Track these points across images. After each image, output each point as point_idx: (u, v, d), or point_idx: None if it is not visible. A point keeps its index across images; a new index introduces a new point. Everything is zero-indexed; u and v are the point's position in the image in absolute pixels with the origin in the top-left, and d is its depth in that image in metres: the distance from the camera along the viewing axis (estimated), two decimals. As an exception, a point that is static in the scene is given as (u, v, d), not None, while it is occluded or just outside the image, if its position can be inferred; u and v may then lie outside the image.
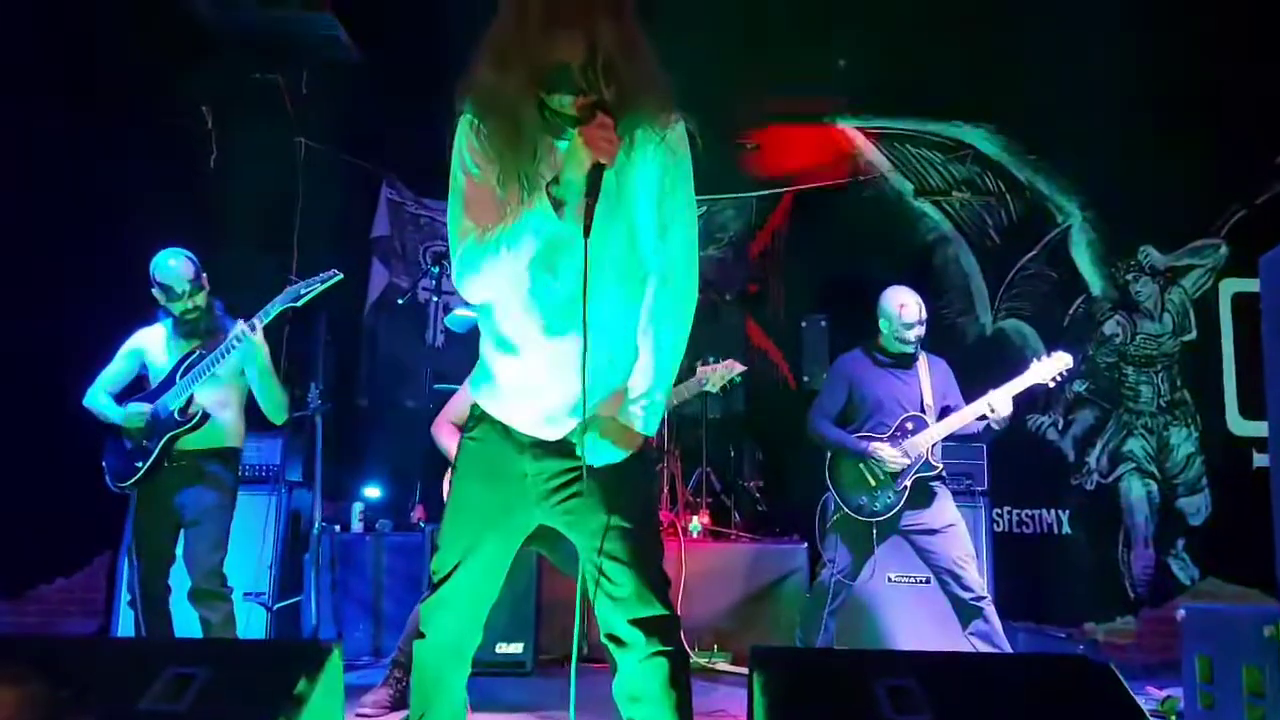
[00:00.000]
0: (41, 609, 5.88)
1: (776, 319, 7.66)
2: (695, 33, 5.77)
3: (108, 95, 5.72)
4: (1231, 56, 5.65)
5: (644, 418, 2.20)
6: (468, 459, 2.35)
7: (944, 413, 4.50)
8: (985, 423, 4.40)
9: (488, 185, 2.15)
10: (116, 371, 4.32)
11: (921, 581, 5.01)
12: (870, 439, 4.47)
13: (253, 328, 4.04)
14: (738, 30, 6.10)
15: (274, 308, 4.03)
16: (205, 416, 4.14)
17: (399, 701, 4.19)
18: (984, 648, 4.22)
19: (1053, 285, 6.54)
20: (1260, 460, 5.81)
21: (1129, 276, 6.27)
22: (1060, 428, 6.35)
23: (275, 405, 4.30)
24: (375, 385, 7.33)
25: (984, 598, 4.29)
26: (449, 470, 4.35)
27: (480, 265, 2.11)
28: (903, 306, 4.49)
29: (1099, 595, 6.04)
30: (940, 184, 7.05)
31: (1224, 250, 6.05)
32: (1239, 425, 5.93)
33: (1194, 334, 6.11)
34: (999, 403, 4.32)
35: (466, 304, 2.27)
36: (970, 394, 4.49)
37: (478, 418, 2.35)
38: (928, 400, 4.51)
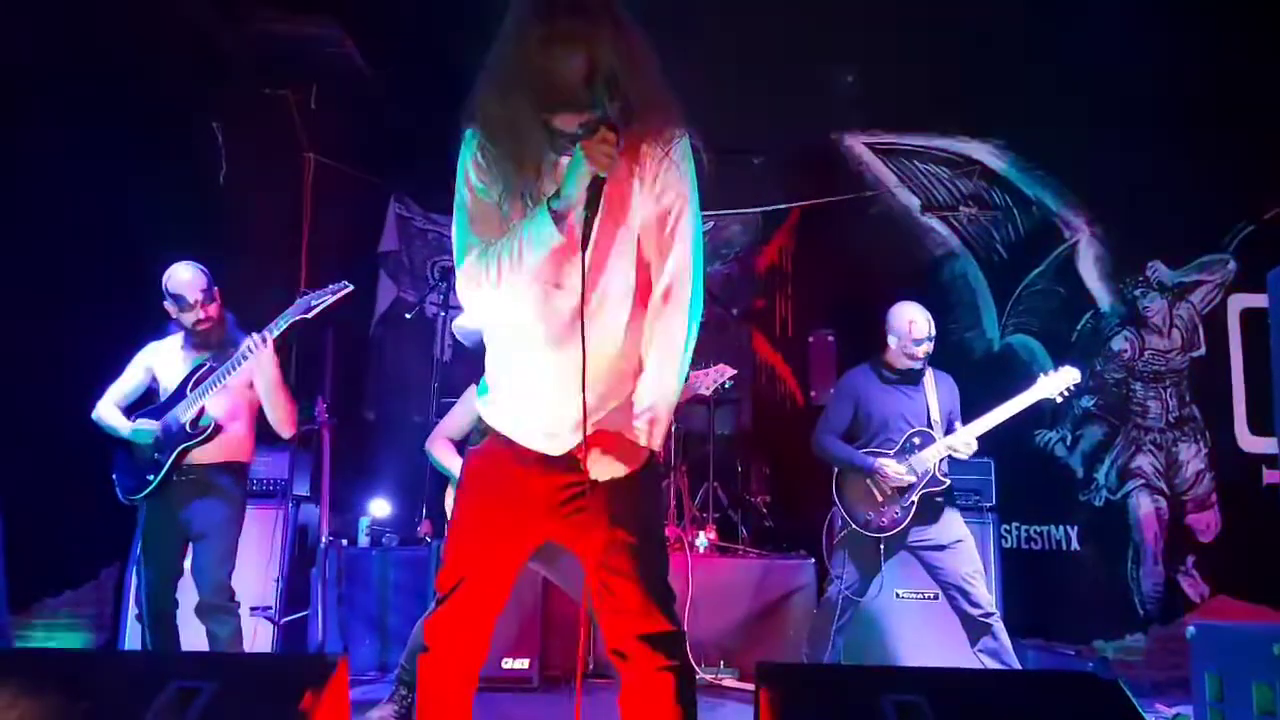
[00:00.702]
0: (49, 622, 5.88)
1: (784, 334, 7.66)
2: (703, 47, 5.80)
3: (120, 110, 5.75)
4: (1240, 72, 5.64)
5: (649, 431, 2.20)
6: (473, 473, 2.34)
7: (950, 428, 4.49)
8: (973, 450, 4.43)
9: (491, 202, 2.17)
10: (126, 384, 4.33)
11: (929, 598, 4.99)
12: (877, 455, 4.46)
13: (263, 340, 4.05)
14: (745, 44, 6.11)
15: (285, 320, 4.05)
16: (216, 429, 4.14)
17: (405, 718, 4.18)
18: (992, 665, 4.20)
19: (1060, 301, 6.53)
20: (1270, 476, 5.79)
21: (1137, 292, 6.26)
22: (1069, 443, 6.32)
23: (284, 419, 4.31)
24: (382, 399, 7.34)
25: (992, 614, 4.28)
26: (449, 486, 4.36)
27: (482, 280, 2.13)
28: (912, 323, 4.49)
29: (1108, 612, 6.00)
30: (947, 199, 7.05)
31: (1232, 266, 6.03)
32: (1248, 441, 5.90)
33: (1203, 349, 6.09)
34: (958, 443, 4.36)
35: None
36: (978, 409, 4.48)
37: (483, 431, 2.34)
38: (934, 416, 4.50)
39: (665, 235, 2.21)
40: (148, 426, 4.14)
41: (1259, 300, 5.81)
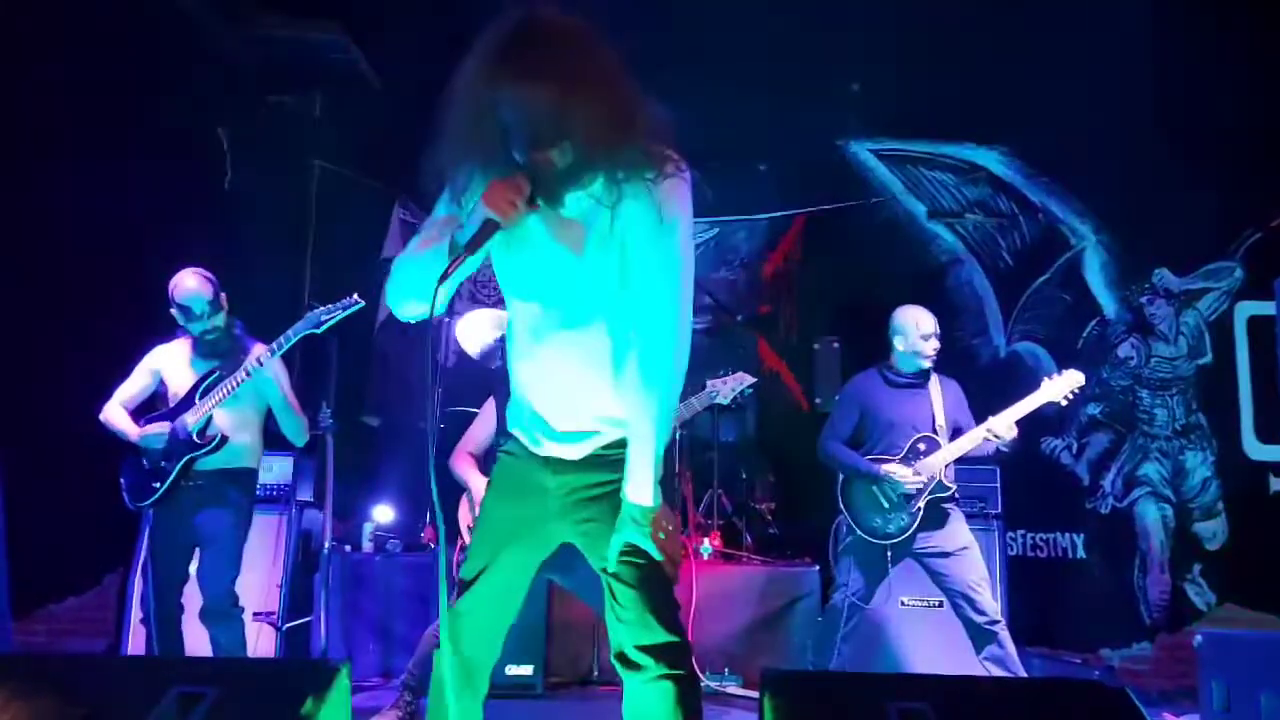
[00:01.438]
0: (51, 627, 5.88)
1: (789, 341, 7.64)
2: (709, 54, 5.81)
3: (126, 116, 5.76)
4: (1246, 79, 5.64)
5: (650, 490, 2.17)
6: (499, 472, 2.40)
7: (956, 434, 4.48)
8: (993, 446, 4.39)
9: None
10: (133, 386, 4.34)
11: (935, 605, 4.96)
12: (883, 461, 4.45)
13: (271, 354, 4.05)
14: (752, 52, 6.12)
15: (294, 334, 4.05)
16: (224, 439, 4.15)
17: (409, 723, 4.17)
18: (998, 672, 4.17)
19: (1066, 308, 6.52)
20: (1277, 484, 5.77)
21: (1143, 299, 6.25)
22: (1075, 451, 6.31)
23: (296, 431, 4.33)
24: (386, 405, 7.33)
25: (998, 622, 4.26)
26: (463, 496, 4.37)
27: (392, 279, 2.25)
28: (917, 320, 4.48)
29: (1114, 621, 5.98)
30: (953, 206, 7.04)
31: (1239, 273, 6.02)
32: (1255, 449, 5.89)
33: (1209, 357, 6.08)
34: (999, 427, 4.31)
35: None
36: (984, 415, 4.47)
37: (508, 433, 2.41)
38: (940, 421, 4.49)
39: (640, 273, 2.17)
40: (157, 431, 4.14)
41: (1266, 307, 5.81)
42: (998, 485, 5.49)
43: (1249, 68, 5.63)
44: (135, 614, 5.04)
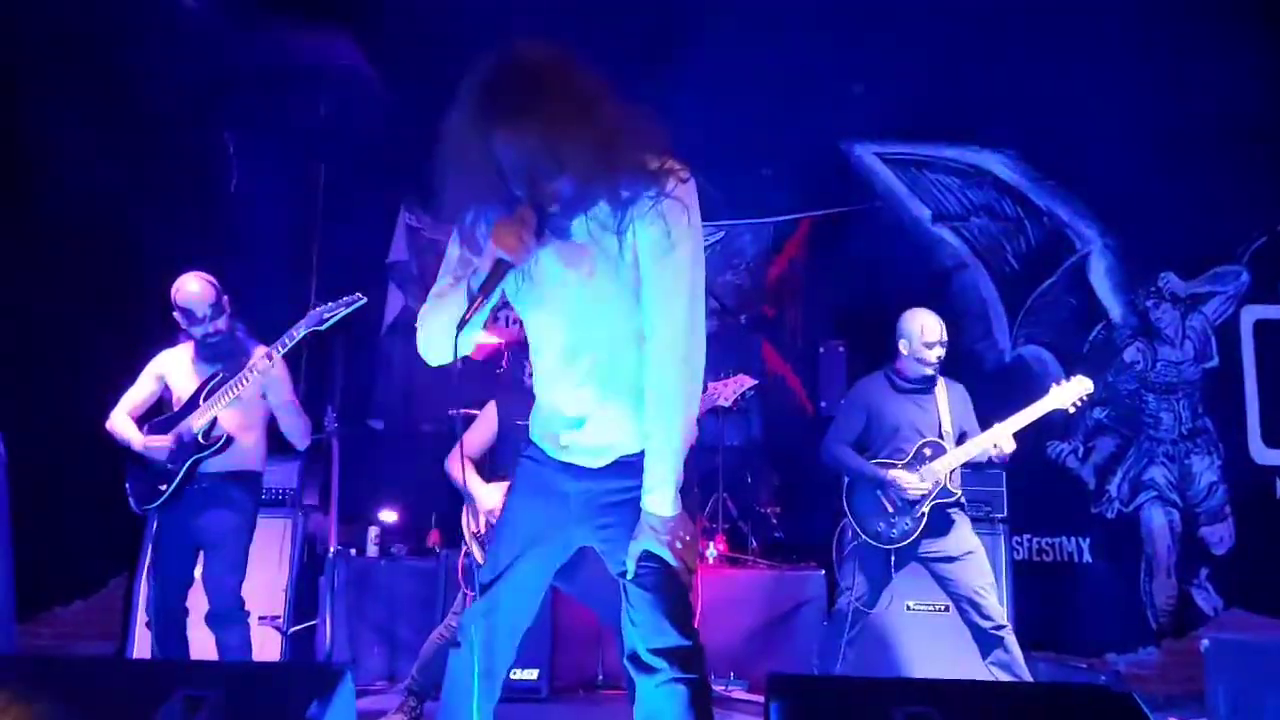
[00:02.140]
0: (58, 631, 5.89)
1: (794, 344, 7.63)
2: (713, 58, 5.81)
3: (132, 119, 5.77)
4: (1252, 82, 5.63)
5: (670, 500, 2.21)
6: (522, 476, 2.44)
7: (962, 439, 4.47)
8: (995, 451, 4.39)
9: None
10: (138, 394, 4.34)
11: (940, 609, 4.95)
12: (888, 465, 4.44)
13: (275, 354, 4.05)
14: (756, 55, 6.11)
15: (297, 333, 4.05)
16: (230, 440, 4.15)
17: (414, 728, 4.17)
18: (1004, 678, 4.16)
19: (1072, 312, 6.51)
20: (1284, 489, 5.75)
21: (1149, 303, 6.23)
22: (1080, 455, 6.29)
23: (299, 432, 4.33)
24: (391, 409, 7.34)
25: (1004, 626, 4.24)
26: (465, 506, 4.37)
27: (420, 330, 2.29)
28: (923, 326, 4.47)
29: (1121, 625, 5.96)
30: (958, 210, 7.03)
31: (1245, 277, 6.00)
32: (1262, 454, 5.87)
33: (1215, 361, 6.06)
34: (1001, 439, 4.32)
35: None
36: (989, 420, 4.46)
37: (531, 439, 2.46)
38: (946, 426, 4.48)
39: (651, 292, 2.21)
40: (159, 443, 4.14)
41: (1272, 311, 5.81)
42: (1003, 489, 5.48)
43: (1257, 71, 5.62)
44: (141, 618, 5.05)
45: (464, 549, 4.33)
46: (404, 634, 5.59)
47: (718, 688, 5.19)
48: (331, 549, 5.47)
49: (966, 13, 5.83)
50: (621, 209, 2.15)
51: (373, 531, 6.09)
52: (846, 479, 4.59)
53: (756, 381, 4.89)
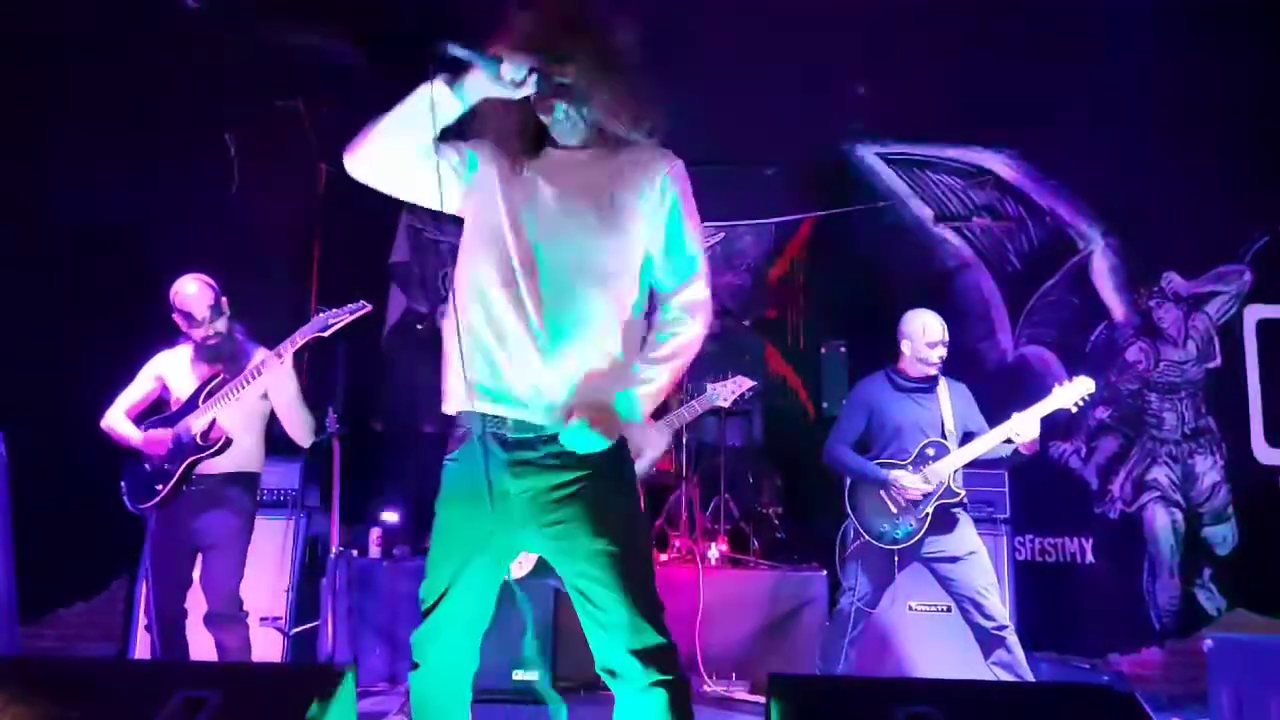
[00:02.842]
0: (60, 632, 5.88)
1: (795, 345, 7.63)
2: (714, 58, 5.81)
3: (132, 121, 5.77)
4: (1256, 81, 5.62)
5: (634, 404, 2.19)
6: (450, 480, 2.32)
7: (966, 438, 4.46)
8: (1011, 448, 4.37)
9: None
10: (136, 393, 4.34)
11: (943, 610, 4.95)
12: (891, 466, 4.43)
13: (279, 357, 4.05)
14: (757, 55, 6.11)
15: (302, 338, 4.05)
16: (228, 441, 4.15)
17: (414, 729, 4.16)
18: (1006, 678, 4.16)
19: (1074, 312, 6.49)
20: (1287, 489, 5.74)
21: (1152, 303, 6.22)
22: (1083, 455, 6.28)
23: (303, 433, 4.32)
24: (393, 410, 7.33)
25: (1006, 627, 4.24)
26: None
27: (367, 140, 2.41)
28: (925, 326, 4.47)
29: (1123, 626, 5.95)
30: (960, 210, 7.02)
31: (1248, 277, 5.99)
32: (1265, 453, 5.85)
33: (1218, 360, 6.05)
34: (1024, 426, 4.28)
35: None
36: (992, 420, 4.45)
37: (459, 437, 2.32)
38: (949, 426, 4.47)
39: (672, 259, 2.28)
40: (159, 438, 4.14)
41: (1275, 311, 5.79)
42: (1006, 490, 5.48)
43: (1258, 71, 5.61)
44: (140, 619, 5.05)
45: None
46: (405, 635, 5.48)
47: (719, 688, 5.19)
48: (333, 550, 5.46)
49: (967, 13, 5.83)
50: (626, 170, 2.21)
51: (374, 533, 6.09)
52: (849, 480, 4.58)
53: (755, 383, 4.89)
